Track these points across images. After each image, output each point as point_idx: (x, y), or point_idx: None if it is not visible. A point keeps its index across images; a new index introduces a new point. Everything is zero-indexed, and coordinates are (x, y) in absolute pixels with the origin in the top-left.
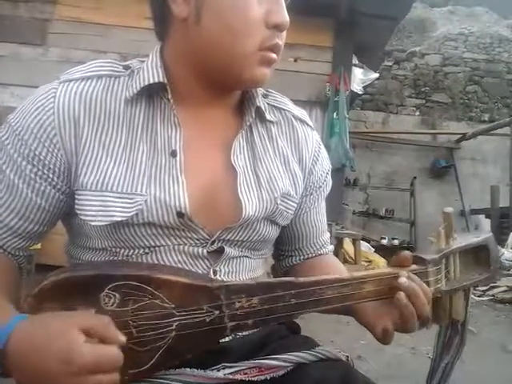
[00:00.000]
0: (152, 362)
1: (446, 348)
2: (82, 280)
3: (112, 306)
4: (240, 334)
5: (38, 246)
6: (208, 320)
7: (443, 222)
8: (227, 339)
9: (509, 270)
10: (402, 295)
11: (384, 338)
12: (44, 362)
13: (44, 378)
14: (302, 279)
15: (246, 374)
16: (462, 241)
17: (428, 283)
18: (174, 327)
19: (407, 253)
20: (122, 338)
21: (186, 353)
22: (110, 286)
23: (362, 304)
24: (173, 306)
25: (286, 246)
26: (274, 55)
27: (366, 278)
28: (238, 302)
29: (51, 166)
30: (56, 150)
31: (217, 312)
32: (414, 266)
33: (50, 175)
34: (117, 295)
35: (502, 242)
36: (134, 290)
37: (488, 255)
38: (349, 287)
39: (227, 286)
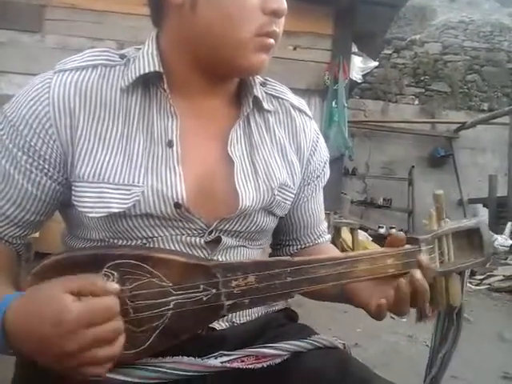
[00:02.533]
0: (149, 343)
1: (444, 338)
2: (82, 259)
3: None
4: (238, 321)
5: (37, 234)
6: (205, 299)
7: (434, 203)
8: (224, 327)
9: (506, 259)
10: (402, 283)
11: (378, 314)
12: (38, 329)
13: (44, 345)
14: (297, 258)
15: (243, 361)
16: (454, 223)
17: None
18: (171, 306)
19: (400, 233)
20: (114, 286)
21: (183, 333)
22: (109, 264)
23: (357, 285)
24: (170, 284)
25: (284, 235)
26: (271, 40)
27: (361, 256)
28: (235, 280)
29: (47, 157)
30: (51, 141)
31: (214, 290)
32: (407, 246)
33: (46, 166)
34: (115, 274)
35: (499, 232)
36: (132, 268)
37: (481, 239)
38: (344, 265)
39: (224, 264)
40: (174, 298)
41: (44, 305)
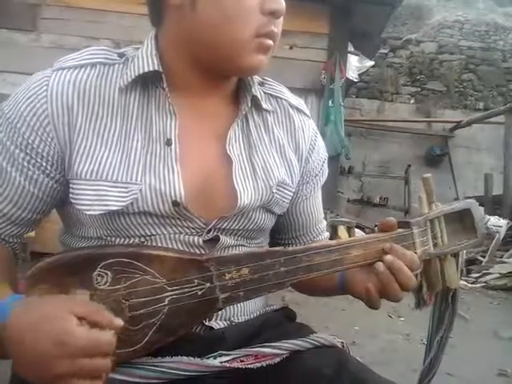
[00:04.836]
0: (146, 340)
1: (440, 322)
2: (75, 260)
3: (104, 284)
4: (236, 320)
5: (32, 234)
6: (200, 293)
7: (423, 187)
8: (222, 326)
9: (501, 257)
10: (379, 265)
11: (369, 301)
12: (38, 344)
13: (37, 360)
14: (290, 248)
15: (242, 361)
16: (445, 206)
17: (414, 245)
18: (166, 302)
19: (392, 218)
20: (118, 322)
21: (180, 328)
22: (102, 264)
23: (354, 277)
24: (164, 280)
25: (283, 234)
26: (270, 41)
27: (353, 242)
28: (228, 272)
29: (44, 155)
30: (49, 139)
31: (208, 284)
32: (399, 230)
33: (43, 163)
34: (109, 273)
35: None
36: (125, 267)
37: (473, 220)
38: (336, 253)
39: (217, 257)
40: (168, 294)
41: (48, 321)
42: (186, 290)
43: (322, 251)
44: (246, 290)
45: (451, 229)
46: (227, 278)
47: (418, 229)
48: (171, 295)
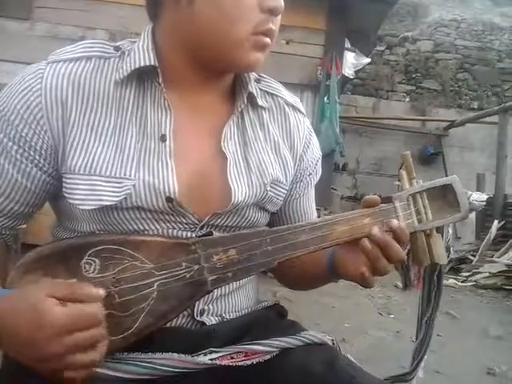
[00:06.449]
0: (136, 326)
1: (428, 302)
2: (63, 249)
3: (93, 272)
4: (227, 317)
5: (24, 225)
6: (188, 275)
7: (403, 163)
8: (214, 322)
9: (492, 256)
10: (365, 241)
11: (364, 283)
12: (21, 331)
13: (24, 346)
14: (275, 227)
15: (232, 358)
16: (426, 182)
17: (398, 218)
18: (155, 287)
19: (375, 196)
20: (98, 292)
21: (170, 313)
22: (90, 251)
23: (343, 258)
24: (152, 265)
25: None
26: (267, 39)
27: (337, 218)
28: (216, 254)
29: (37, 148)
30: (43, 132)
31: (196, 266)
32: (382, 205)
33: (37, 157)
34: (97, 261)
35: (486, 229)
36: (113, 253)
37: (455, 195)
38: (322, 229)
39: (204, 240)
40: (157, 278)
41: (28, 308)
42: (175, 273)
43: (306, 228)
44: (234, 271)
45: (435, 205)
46: (215, 259)
47: (399, 202)
48: (160, 279)
